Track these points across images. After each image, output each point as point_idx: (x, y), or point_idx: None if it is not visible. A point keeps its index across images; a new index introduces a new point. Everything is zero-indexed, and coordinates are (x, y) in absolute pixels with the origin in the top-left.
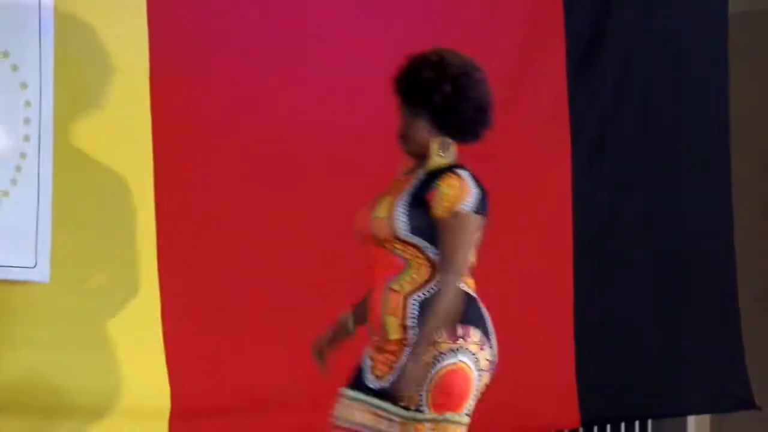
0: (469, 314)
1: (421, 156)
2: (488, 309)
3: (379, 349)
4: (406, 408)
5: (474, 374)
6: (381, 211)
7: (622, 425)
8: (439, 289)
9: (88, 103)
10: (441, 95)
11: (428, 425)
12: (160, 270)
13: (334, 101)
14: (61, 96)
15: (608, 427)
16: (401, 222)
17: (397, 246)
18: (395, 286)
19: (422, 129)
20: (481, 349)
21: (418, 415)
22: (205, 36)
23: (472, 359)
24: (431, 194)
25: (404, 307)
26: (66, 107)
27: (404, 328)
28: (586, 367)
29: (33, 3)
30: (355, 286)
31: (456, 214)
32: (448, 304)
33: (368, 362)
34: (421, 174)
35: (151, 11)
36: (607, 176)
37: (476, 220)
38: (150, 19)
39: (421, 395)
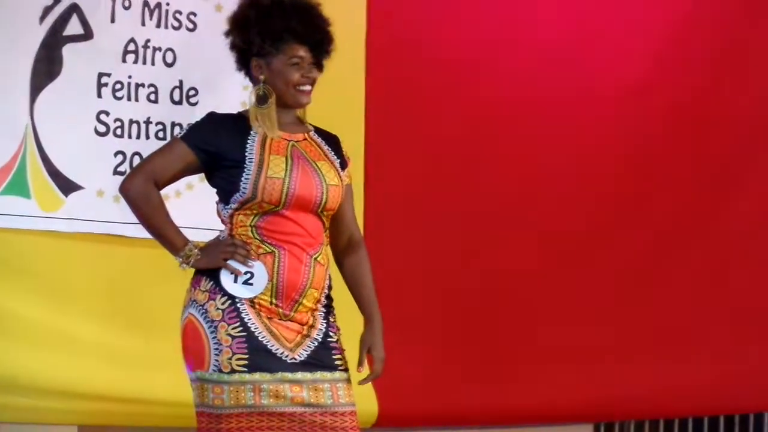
0: None
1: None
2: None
3: (283, 318)
4: (345, 369)
5: None
6: (332, 177)
7: None
8: (366, 256)
9: None
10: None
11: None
12: None
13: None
14: None
15: None
16: (343, 190)
17: (329, 215)
18: (321, 259)
19: None
20: None
21: (347, 374)
22: (420, 22)
23: None
24: (348, 163)
25: (326, 279)
26: None
27: (319, 298)
28: None
29: None
30: None
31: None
32: None
33: (266, 334)
34: (312, 133)
35: None
36: None
37: None
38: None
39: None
